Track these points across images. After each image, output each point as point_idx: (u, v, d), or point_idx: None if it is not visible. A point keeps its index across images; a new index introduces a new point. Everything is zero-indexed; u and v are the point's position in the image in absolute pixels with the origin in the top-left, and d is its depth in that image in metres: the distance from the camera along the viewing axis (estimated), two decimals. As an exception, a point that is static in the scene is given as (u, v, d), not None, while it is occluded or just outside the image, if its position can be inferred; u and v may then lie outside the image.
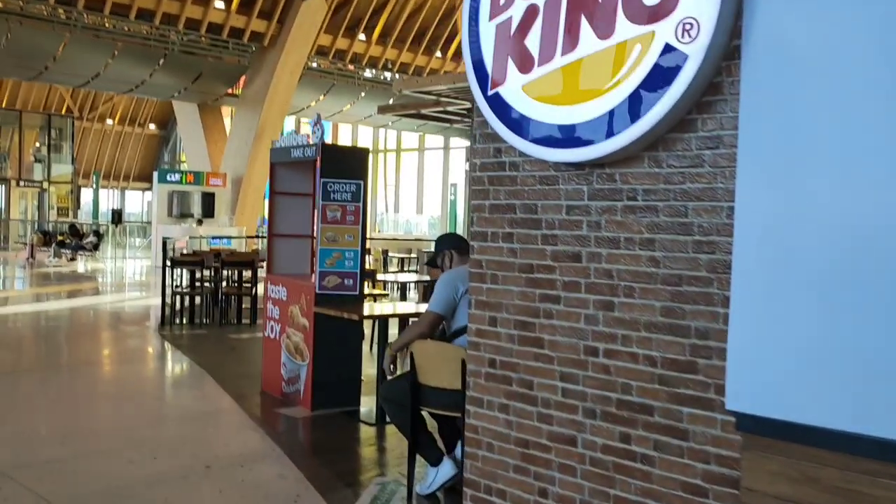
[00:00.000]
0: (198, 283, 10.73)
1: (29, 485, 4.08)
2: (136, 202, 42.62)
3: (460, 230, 30.84)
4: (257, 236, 20.39)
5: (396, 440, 5.08)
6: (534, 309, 2.91)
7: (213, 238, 18.06)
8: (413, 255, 15.86)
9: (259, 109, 22.01)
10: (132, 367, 7.58)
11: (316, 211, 5.80)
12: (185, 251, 12.76)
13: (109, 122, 39.04)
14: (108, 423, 5.38)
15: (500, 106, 2.93)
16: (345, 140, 35.70)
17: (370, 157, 6.04)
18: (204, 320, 10.39)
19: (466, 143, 30.40)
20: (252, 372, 7.18)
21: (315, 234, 6.20)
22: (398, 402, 4.13)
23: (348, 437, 5.33)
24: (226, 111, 26.73)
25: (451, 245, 4.29)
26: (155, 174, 22.02)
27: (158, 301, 12.75)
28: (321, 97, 25.96)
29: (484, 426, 3.06)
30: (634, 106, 2.53)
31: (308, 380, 5.85)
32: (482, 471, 3.07)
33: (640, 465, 2.61)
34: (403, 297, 9.11)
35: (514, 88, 2.87)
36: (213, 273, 10.70)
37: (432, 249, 4.46)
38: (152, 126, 41.05)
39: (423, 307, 6.29)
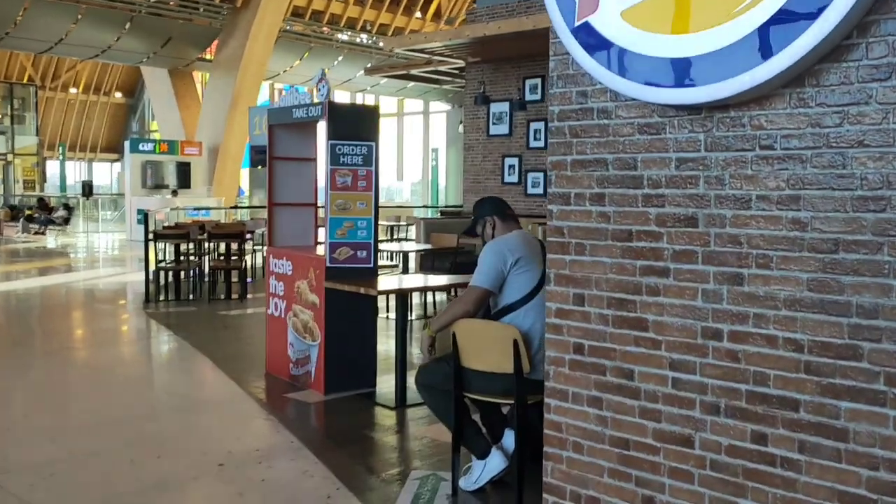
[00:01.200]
0: (182, 258, 10.12)
1: (20, 493, 3.56)
2: (105, 174, 41.37)
3: (442, 196, 30.25)
4: (237, 207, 19.71)
5: (422, 426, 4.62)
6: (634, 284, 2.42)
7: (193, 210, 17.39)
8: (403, 223, 15.31)
9: (234, 74, 21.16)
10: (120, 350, 7.02)
11: (323, 177, 5.25)
12: (165, 224, 12.08)
13: (73, 90, 37.69)
14: (102, 416, 4.84)
15: (590, 38, 2.41)
16: (320, 106, 34.84)
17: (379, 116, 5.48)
18: (190, 296, 9.81)
19: (447, 107, 29.68)
20: (251, 352, 6.66)
21: (320, 203, 5.66)
22: (439, 389, 3.65)
23: (370, 423, 4.86)
24: (198, 77, 25.77)
25: (492, 210, 3.78)
26: (126, 144, 21.14)
27: (138, 277, 12.17)
28: (297, 62, 25.12)
29: (569, 423, 2.59)
30: (777, 31, 2.03)
31: (320, 361, 5.35)
32: (568, 475, 2.60)
33: (781, 471, 2.15)
34: (406, 269, 8.60)
35: (610, 16, 2.35)
36: (197, 246, 10.10)
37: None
38: (118, 94, 39.74)
39: (434, 280, 5.81)
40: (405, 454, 4.27)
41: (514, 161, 11.02)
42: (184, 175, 21.16)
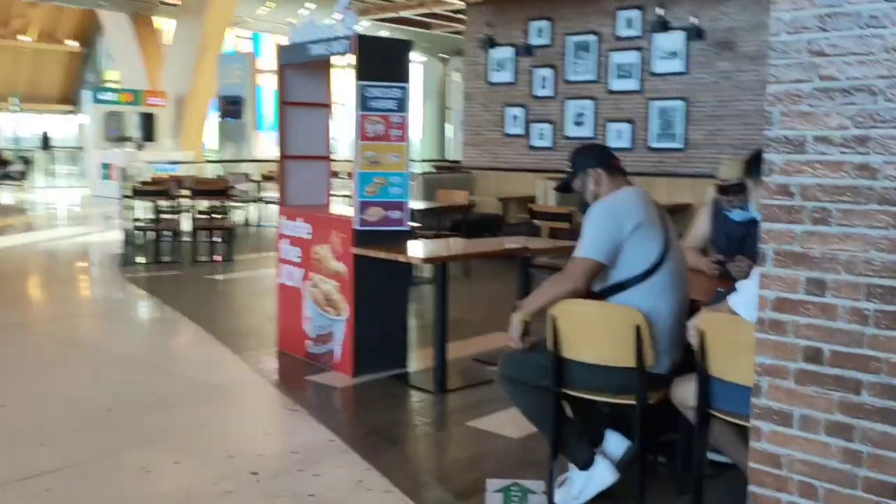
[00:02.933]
0: (161, 216, 9.25)
1: (9, 521, 2.83)
2: (60, 126, 39.49)
3: (416, 149, 29.31)
4: (217, 161, 18.67)
5: (474, 416, 3.97)
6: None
7: (164, 164, 16.35)
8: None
9: (201, 20, 19.89)
10: (103, 322, 6.22)
11: (353, 124, 4.48)
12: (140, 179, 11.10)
13: (24, 38, 35.67)
14: (97, 409, 4.08)
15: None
16: (287, 56, 33.43)
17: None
18: (171, 259, 8.96)
19: (423, 58, 28.58)
20: (254, 325, 5.93)
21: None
22: (530, 384, 2.98)
23: (414, 413, 4.19)
24: (163, 23, 24.30)
25: (596, 161, 3.07)
26: (88, 93, 19.86)
27: (109, 236, 11.26)
28: (264, 7, 23.79)
29: (794, 457, 1.93)
30: None
31: (348, 338, 4.64)
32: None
33: None
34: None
35: None
36: (175, 204, 9.20)
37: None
38: (72, 42, 37.77)
39: (484, 244, 5.07)
40: (472, 456, 3.61)
41: (519, 111, 10.28)
42: (148, 127, 19.99)
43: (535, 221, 6.30)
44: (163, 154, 18.90)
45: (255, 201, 12.92)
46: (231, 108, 20.13)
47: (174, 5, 21.35)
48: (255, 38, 32.85)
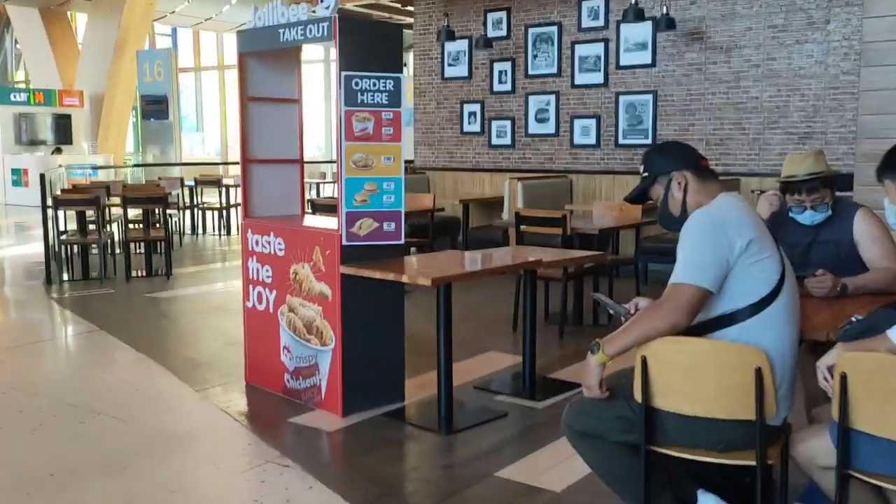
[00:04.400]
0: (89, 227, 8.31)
1: None
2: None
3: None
4: (154, 164, 17.52)
5: (497, 464, 3.38)
6: None
7: (84, 169, 15.19)
8: (330, 181, 13.76)
9: (118, 14, 18.63)
10: (34, 359, 5.33)
11: (337, 122, 3.81)
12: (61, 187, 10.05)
13: (-80, 36, 33.19)
14: (37, 474, 3.30)
15: None
16: (209, 53, 32.05)
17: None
18: (102, 274, 8.05)
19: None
20: (212, 353, 5.20)
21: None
22: (607, 439, 2.42)
23: (427, 463, 3.57)
24: (76, 18, 22.79)
25: (682, 162, 2.52)
26: (-6, 94, 18.37)
27: (25, 250, 10.21)
28: (186, 2, 22.59)
29: None
30: None
31: (335, 372, 3.97)
32: None
33: None
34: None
35: None
36: (101, 214, 8.26)
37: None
38: (-26, 41, 35.38)
39: (498, 258, 4.44)
40: (512, 517, 3.02)
41: (476, 107, 9.71)
42: (63, 129, 18.65)
43: (523, 227, 5.74)
44: (81, 158, 17.64)
45: (189, 208, 12.00)
46: (153, 107, 18.98)
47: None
48: (173, 34, 31.45)
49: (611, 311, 2.61)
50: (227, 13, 23.02)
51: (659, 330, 2.23)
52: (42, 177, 7.74)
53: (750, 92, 7.88)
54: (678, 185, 2.47)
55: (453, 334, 3.94)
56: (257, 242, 4.39)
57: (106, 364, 5.13)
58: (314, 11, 3.88)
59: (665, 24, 7.93)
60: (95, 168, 16.55)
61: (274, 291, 4.31)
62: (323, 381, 4.06)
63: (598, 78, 8.80)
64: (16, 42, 35.57)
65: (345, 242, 3.88)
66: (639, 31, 8.44)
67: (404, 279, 3.65)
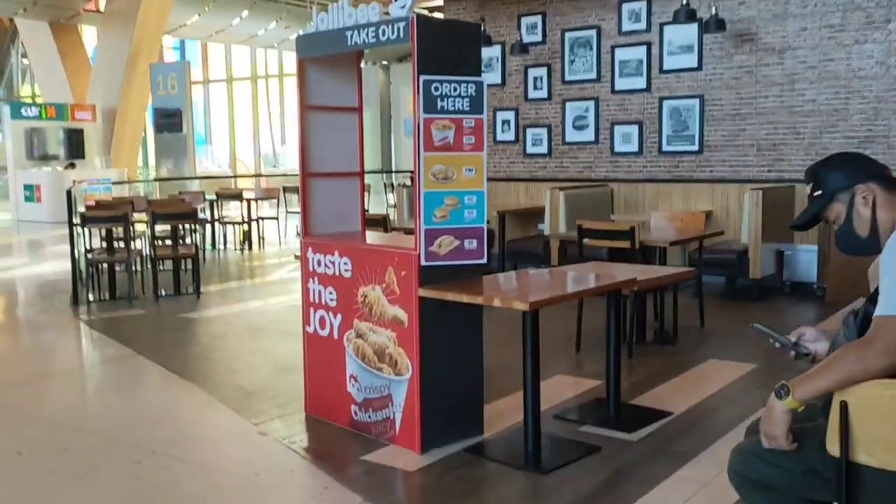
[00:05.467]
0: (116, 244, 8.00)
1: None
2: (-30, 146, 36.82)
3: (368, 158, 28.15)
4: (168, 179, 17.24)
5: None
6: None
7: (99, 185, 14.93)
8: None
9: (131, 27, 18.39)
10: (74, 390, 4.99)
11: (417, 131, 3.49)
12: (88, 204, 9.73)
13: (-74, 52, 33.07)
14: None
15: None
16: (217, 65, 31.84)
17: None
18: (130, 294, 7.73)
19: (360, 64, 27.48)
20: (261, 380, 4.87)
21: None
22: (793, 497, 2.07)
23: (525, 506, 3.23)
24: (87, 32, 22.58)
25: (866, 174, 2.15)
26: (6, 108, 18.11)
27: (44, 269, 9.89)
28: (197, 15, 22.36)
29: None
30: None
31: (412, 403, 3.63)
32: None
33: None
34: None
35: None
36: (127, 230, 7.94)
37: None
38: (-20, 57, 35.25)
39: (604, 274, 4.06)
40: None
41: (510, 115, 9.40)
42: (76, 144, 18.35)
43: (587, 241, 5.40)
44: (94, 173, 17.35)
45: (210, 222, 11.69)
46: (167, 121, 18.71)
47: (98, 12, 19.79)
48: (181, 47, 31.27)
49: (776, 344, 2.27)
50: (238, 25, 22.81)
51: (869, 372, 1.88)
52: (68, 193, 7.43)
53: (805, 94, 7.55)
54: (864, 200, 2.12)
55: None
56: (319, 262, 4.06)
57: (151, 394, 4.79)
58: (387, 13, 3.56)
59: (715, 25, 7.61)
60: (110, 183, 16.27)
61: (339, 315, 3.97)
62: (397, 414, 3.72)
63: (640, 83, 8.48)
64: (22, 56, 35.51)
65: (423, 263, 3.55)
66: (684, 34, 8.13)
67: (496, 303, 3.31)
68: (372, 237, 4.27)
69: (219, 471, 3.51)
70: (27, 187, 17.04)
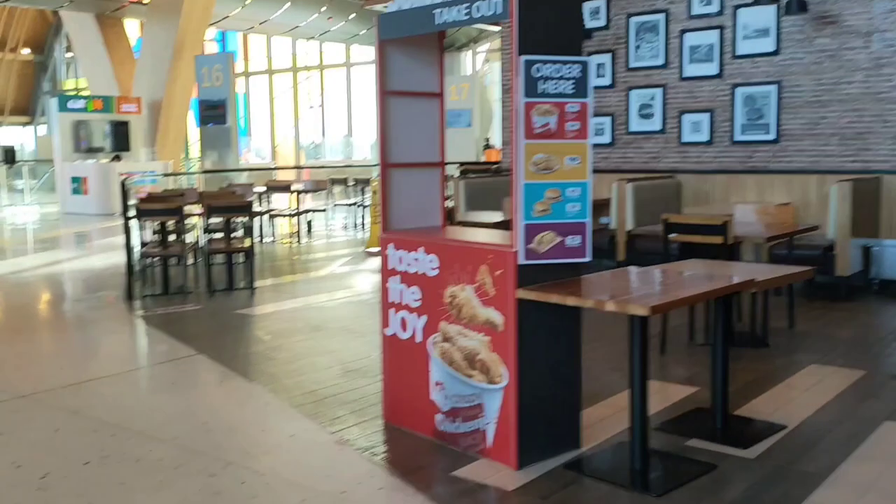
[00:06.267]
0: (169, 237, 7.82)
1: None
2: (15, 138, 37.40)
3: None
4: (219, 171, 17.17)
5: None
6: None
7: (143, 176, 14.85)
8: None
9: (176, 19, 18.34)
10: (139, 392, 4.77)
11: (516, 116, 3.17)
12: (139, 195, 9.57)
13: (-27, 47, 33.62)
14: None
15: None
16: (258, 56, 31.82)
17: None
18: (184, 289, 7.54)
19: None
20: (329, 382, 4.61)
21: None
22: None
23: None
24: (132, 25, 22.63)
25: None
26: (53, 102, 18.17)
27: (96, 262, 9.78)
28: (241, 6, 22.26)
29: None
30: None
31: (508, 414, 3.33)
32: None
33: None
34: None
35: None
36: (178, 224, 7.75)
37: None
38: (26, 51, 35.74)
39: (738, 273, 3.71)
40: None
41: (570, 104, 9.04)
42: (122, 136, 18.36)
43: (672, 236, 5.05)
44: (139, 165, 17.33)
45: (259, 215, 11.51)
46: (211, 112, 18.62)
47: (142, 3, 19.77)
48: (222, 39, 31.28)
49: None
50: (280, 16, 22.67)
51: None
52: (122, 186, 7.25)
53: (893, 80, 7.08)
54: None
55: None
56: (401, 260, 3.77)
57: (218, 397, 4.55)
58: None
59: (796, 6, 7.17)
60: (156, 175, 16.22)
61: (423, 317, 3.68)
62: (490, 426, 3.42)
63: (711, 69, 8.06)
64: (65, 51, 35.91)
65: (522, 261, 3.24)
66: (760, 17, 7.69)
67: (610, 307, 2.99)
68: (456, 232, 3.97)
69: (300, 487, 3.24)
70: (74, 180, 17.08)
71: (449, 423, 3.60)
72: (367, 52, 28.92)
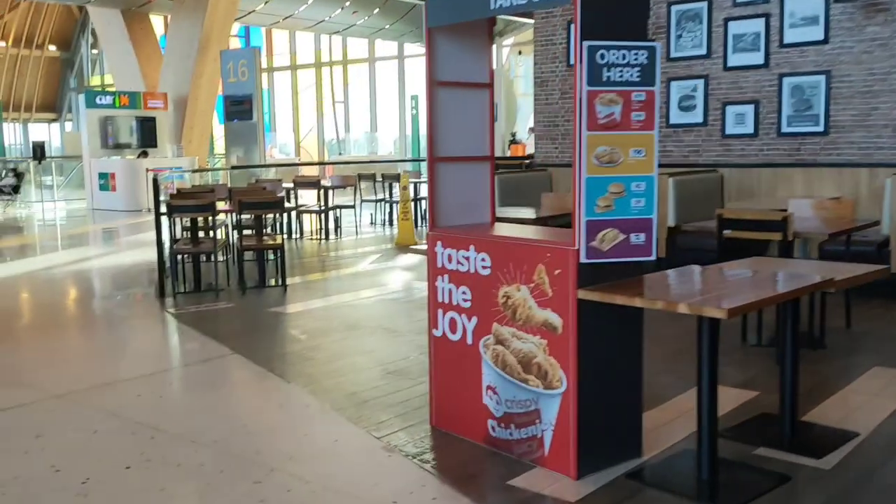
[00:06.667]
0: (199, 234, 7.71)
1: None
2: (43, 135, 37.72)
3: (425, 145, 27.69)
4: (230, 168, 17.12)
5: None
6: None
7: (170, 173, 14.82)
8: (424, 180, 13.01)
9: (201, 14, 18.27)
10: (176, 393, 4.65)
11: (577, 108, 2.99)
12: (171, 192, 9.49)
13: (2, 44, 33.89)
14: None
15: None
16: (281, 50, 31.80)
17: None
18: (215, 286, 7.43)
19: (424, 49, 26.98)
20: (370, 384, 4.45)
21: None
22: None
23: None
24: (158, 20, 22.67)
25: None
26: (80, 98, 18.20)
27: (126, 259, 9.72)
28: (265, 2, 22.19)
29: None
30: None
31: (567, 421, 3.15)
32: None
33: None
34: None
35: None
36: (214, 221, 7.63)
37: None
38: (52, 48, 36.01)
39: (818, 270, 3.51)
40: None
41: (607, 97, 8.82)
42: (148, 132, 18.33)
43: (727, 232, 4.84)
44: (165, 161, 17.29)
45: (289, 211, 11.39)
46: (237, 108, 18.55)
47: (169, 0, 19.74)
48: (245, 34, 31.28)
49: None
50: (305, 11, 22.60)
51: None
52: (155, 181, 7.15)
53: (949, 69, 6.80)
54: None
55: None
56: (450, 258, 3.60)
57: (257, 399, 4.41)
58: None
59: (847, -7, 6.90)
60: (182, 171, 16.18)
61: (473, 318, 3.51)
62: (547, 433, 3.24)
63: (756, 58, 7.80)
64: (91, 47, 36.12)
65: (584, 259, 3.06)
66: (808, 4, 7.42)
67: (682, 309, 2.80)
68: (507, 229, 3.79)
69: (348, 496, 3.08)
70: (101, 176, 17.09)
71: (502, 429, 3.43)
72: (390, 48, 28.79)
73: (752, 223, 4.72)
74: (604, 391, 3.21)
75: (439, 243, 3.65)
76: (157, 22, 23.43)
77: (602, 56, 2.97)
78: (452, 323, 3.62)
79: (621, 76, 3.00)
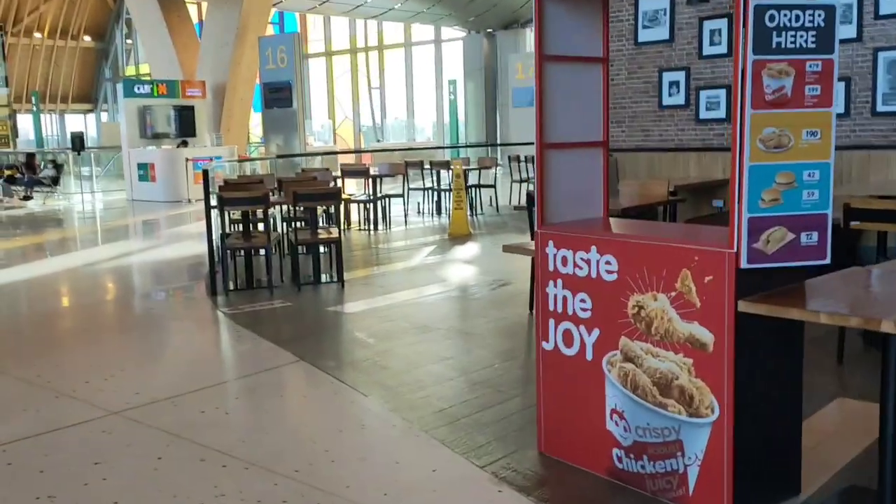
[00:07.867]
0: (251, 227, 7.29)
1: None
2: (79, 126, 37.77)
3: (463, 131, 27.20)
4: (250, 159, 16.75)
5: None
6: None
7: (205, 162, 14.48)
8: (475, 167, 12.49)
9: (239, 0, 17.89)
10: (246, 407, 4.23)
11: (738, 82, 2.47)
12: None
13: (38, 35, 33.93)
14: None
15: None
16: (316, 37, 31.39)
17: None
18: (269, 283, 7.01)
19: (463, 33, 26.44)
20: (459, 400, 3.97)
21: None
22: None
23: None
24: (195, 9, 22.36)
25: None
26: (118, 87, 17.94)
27: (171, 253, 9.37)
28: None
29: None
30: None
31: (720, 456, 2.65)
32: None
33: None
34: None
35: None
36: (267, 213, 7.22)
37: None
38: (87, 38, 36.00)
39: None
40: None
41: (679, 76, 8.23)
42: (187, 121, 18.01)
43: (855, 223, 4.28)
44: (205, 150, 16.97)
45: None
46: (276, 95, 18.17)
47: (206, -14, 19.40)
48: (280, 21, 30.92)
49: None
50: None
51: None
52: (205, 174, 6.74)
53: None
54: None
55: None
56: (565, 261, 3.10)
57: (333, 418, 3.95)
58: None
59: (960, -44, 6.25)
60: (223, 161, 15.85)
61: (595, 331, 3.01)
62: (692, 468, 2.74)
63: (848, 31, 7.16)
64: (126, 38, 36.05)
65: (744, 264, 2.54)
66: (910, -29, 6.77)
67: (886, 328, 2.27)
68: (631, 227, 3.28)
69: (463, 544, 2.62)
70: (140, 166, 16.82)
71: (632, 460, 2.94)
72: (426, 32, 28.22)
73: (884, 213, 4.16)
74: (764, 421, 2.70)
75: (551, 243, 3.15)
76: (191, 10, 23.12)
77: (772, 17, 2.44)
78: (567, 335, 3.13)
79: (794, 42, 2.47)
